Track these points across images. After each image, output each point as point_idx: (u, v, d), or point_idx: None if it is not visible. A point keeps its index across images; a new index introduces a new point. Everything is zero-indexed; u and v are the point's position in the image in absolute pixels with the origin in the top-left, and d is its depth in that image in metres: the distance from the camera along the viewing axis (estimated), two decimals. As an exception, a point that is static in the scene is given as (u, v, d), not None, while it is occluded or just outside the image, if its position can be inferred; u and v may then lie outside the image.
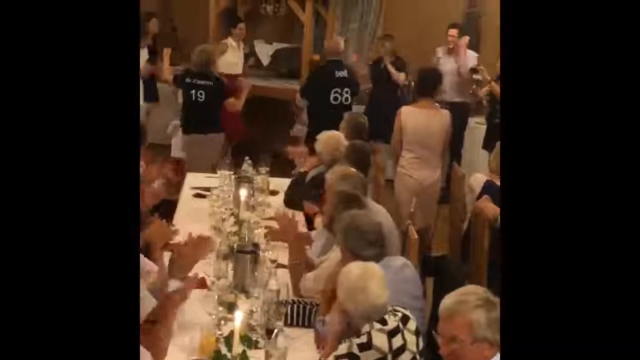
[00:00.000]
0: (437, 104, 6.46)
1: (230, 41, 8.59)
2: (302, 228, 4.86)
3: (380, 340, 3.06)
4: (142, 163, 4.99)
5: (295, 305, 3.76)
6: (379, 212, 4.41)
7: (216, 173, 5.57)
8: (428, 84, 6.34)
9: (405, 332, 3.13)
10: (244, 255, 3.94)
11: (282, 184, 5.76)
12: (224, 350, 3.31)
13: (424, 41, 8.78)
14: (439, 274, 4.91)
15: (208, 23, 9.23)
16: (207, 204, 5.11)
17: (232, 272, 3.95)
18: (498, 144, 5.15)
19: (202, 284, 3.87)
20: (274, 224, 4.59)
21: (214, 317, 3.45)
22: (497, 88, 7.56)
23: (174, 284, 3.49)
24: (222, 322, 3.47)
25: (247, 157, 5.70)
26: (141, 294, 2.84)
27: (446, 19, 8.58)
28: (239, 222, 4.65)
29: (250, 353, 3.31)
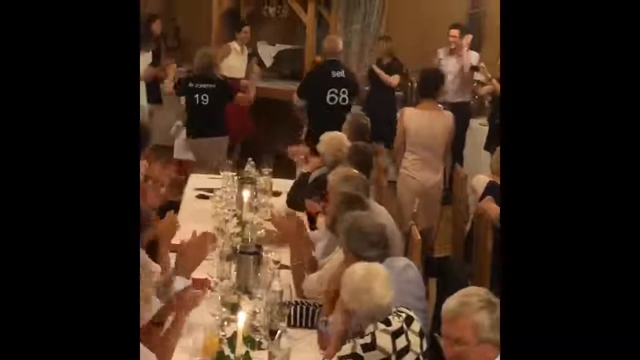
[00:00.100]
0: (439, 105, 6.45)
1: (234, 45, 8.59)
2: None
3: (384, 341, 3.07)
4: (144, 163, 5.00)
5: (298, 306, 3.76)
6: (381, 214, 4.41)
7: (219, 174, 5.58)
8: (430, 85, 6.33)
9: (409, 333, 3.13)
10: (247, 256, 3.94)
11: (285, 185, 5.77)
12: (227, 351, 3.31)
13: (426, 42, 8.77)
14: (442, 275, 4.91)
15: (211, 24, 9.23)
16: (210, 205, 5.11)
17: (235, 273, 3.95)
18: (500, 144, 5.15)
19: (205, 285, 3.88)
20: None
21: (217, 318, 3.45)
22: (498, 86, 7.55)
23: (179, 283, 3.50)
24: (225, 323, 3.47)
25: (250, 158, 5.71)
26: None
27: (449, 19, 8.56)
28: (242, 223, 4.65)
29: (254, 354, 3.31)
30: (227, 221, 4.65)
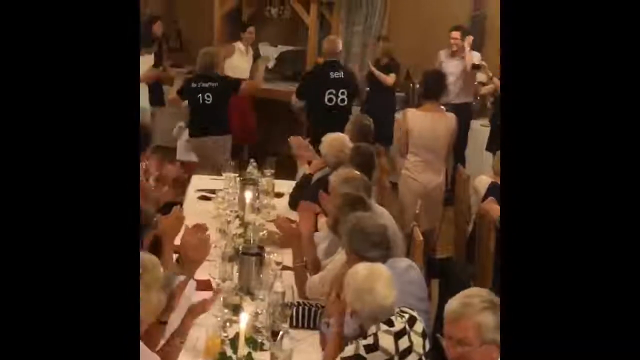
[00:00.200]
0: (442, 107, 6.45)
1: (239, 45, 8.59)
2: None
3: (386, 341, 3.07)
4: (147, 162, 5.01)
5: (300, 307, 3.76)
6: (382, 215, 4.41)
7: (221, 175, 5.58)
8: (433, 87, 6.33)
9: (411, 333, 3.13)
10: (249, 257, 3.95)
11: (287, 186, 5.77)
12: (229, 352, 3.31)
13: (428, 43, 8.77)
14: (444, 276, 4.91)
15: (213, 26, 9.24)
16: (212, 206, 5.12)
17: (237, 274, 3.95)
18: (502, 145, 5.14)
19: (207, 286, 3.88)
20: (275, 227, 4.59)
21: (219, 319, 3.45)
22: (499, 85, 7.55)
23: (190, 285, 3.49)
24: (228, 324, 3.48)
25: (252, 160, 5.71)
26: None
27: (450, 21, 8.55)
28: (244, 225, 4.66)
29: (256, 355, 3.32)
30: (229, 222, 4.65)
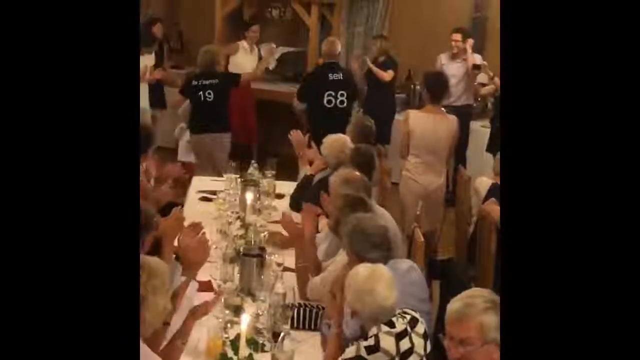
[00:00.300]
0: (443, 109, 6.45)
1: (243, 44, 8.60)
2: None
3: (387, 342, 3.06)
4: (148, 162, 5.00)
5: (301, 309, 3.76)
6: (383, 216, 4.41)
7: (222, 176, 5.58)
8: (435, 89, 6.32)
9: (413, 335, 3.13)
10: (250, 258, 3.95)
11: (288, 187, 5.77)
12: (230, 353, 3.31)
13: (428, 45, 8.78)
14: (445, 277, 4.91)
15: (214, 27, 9.24)
16: (213, 207, 5.11)
17: (238, 275, 3.95)
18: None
19: (208, 287, 3.88)
20: (279, 227, 4.58)
21: (220, 320, 3.45)
22: (499, 84, 7.55)
23: (192, 286, 3.50)
24: (229, 325, 3.48)
25: (253, 161, 5.71)
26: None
27: (451, 23, 8.56)
28: (245, 226, 4.66)
29: (257, 356, 3.32)
30: (230, 223, 4.65)
